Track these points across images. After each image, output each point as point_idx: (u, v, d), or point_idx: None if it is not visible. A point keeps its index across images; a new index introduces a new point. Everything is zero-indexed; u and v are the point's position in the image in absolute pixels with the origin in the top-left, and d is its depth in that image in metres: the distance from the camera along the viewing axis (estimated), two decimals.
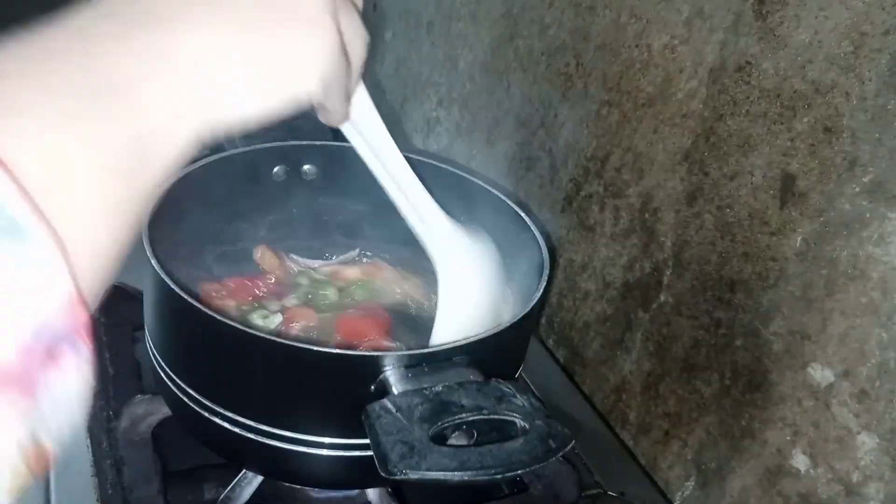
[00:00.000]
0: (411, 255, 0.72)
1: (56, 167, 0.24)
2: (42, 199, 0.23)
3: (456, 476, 0.39)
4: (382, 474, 0.39)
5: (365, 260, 0.74)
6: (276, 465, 0.52)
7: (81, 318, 0.24)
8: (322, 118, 0.44)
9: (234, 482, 0.56)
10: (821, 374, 0.53)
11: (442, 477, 0.39)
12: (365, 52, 0.39)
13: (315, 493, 0.58)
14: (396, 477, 0.39)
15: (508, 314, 0.57)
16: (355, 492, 0.58)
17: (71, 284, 0.23)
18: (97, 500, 0.55)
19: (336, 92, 0.38)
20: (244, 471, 0.56)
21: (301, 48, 0.34)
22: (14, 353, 0.22)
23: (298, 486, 0.58)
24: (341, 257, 0.74)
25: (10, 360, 0.22)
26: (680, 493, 0.66)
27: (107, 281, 0.27)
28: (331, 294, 0.68)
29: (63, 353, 0.23)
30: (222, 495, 0.55)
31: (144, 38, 0.29)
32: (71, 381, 0.24)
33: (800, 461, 0.55)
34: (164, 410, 0.59)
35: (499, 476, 0.40)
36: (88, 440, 0.60)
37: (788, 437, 0.56)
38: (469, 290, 0.56)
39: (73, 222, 0.25)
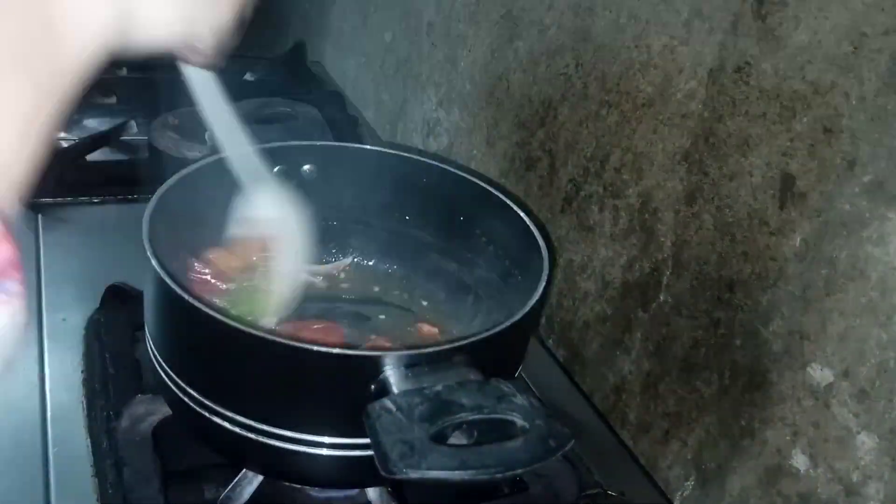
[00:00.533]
0: (408, 261, 0.73)
1: None
2: None
3: (456, 475, 0.39)
4: (383, 473, 0.39)
5: (357, 260, 0.74)
6: (277, 465, 0.52)
7: (5, 255, 0.22)
8: (186, 58, 0.42)
9: (234, 482, 0.56)
10: (820, 373, 0.53)
11: (442, 476, 0.39)
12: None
13: (315, 492, 0.58)
14: (397, 476, 0.39)
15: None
16: (355, 491, 0.58)
17: None
18: (97, 500, 0.55)
19: (220, 32, 0.38)
20: (244, 471, 0.56)
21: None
22: None
23: (298, 486, 0.58)
24: (334, 264, 0.74)
25: None
26: (680, 493, 0.66)
27: (23, 188, 0.25)
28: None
29: None
30: (222, 495, 0.55)
31: None
32: None
33: (800, 461, 0.55)
34: (164, 410, 0.59)
35: (499, 475, 0.40)
36: (88, 440, 0.60)
37: (788, 437, 0.56)
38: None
39: None
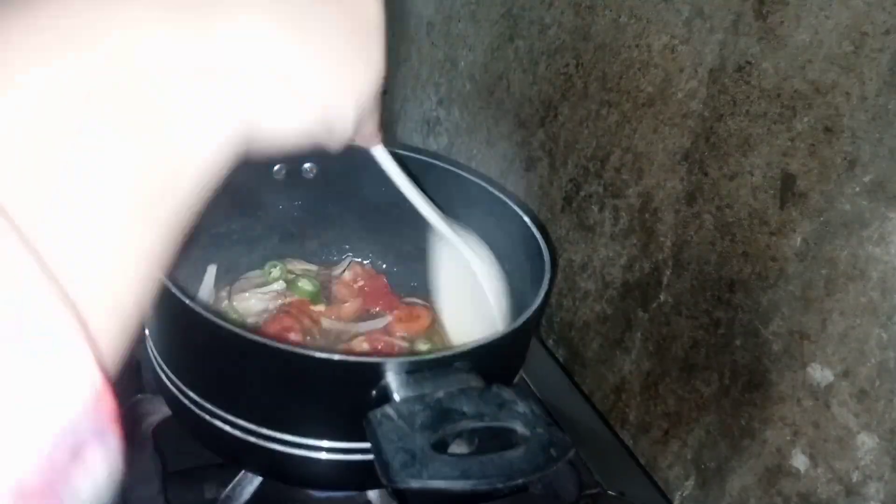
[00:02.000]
0: (407, 261, 0.73)
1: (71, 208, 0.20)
2: (51, 253, 0.19)
3: (458, 485, 0.39)
4: (384, 482, 0.39)
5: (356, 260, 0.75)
6: (276, 468, 0.52)
7: (108, 407, 0.20)
8: (330, 145, 0.41)
9: (234, 482, 0.56)
10: (820, 373, 0.53)
11: (444, 486, 0.39)
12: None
13: (315, 492, 0.58)
14: (399, 486, 0.39)
15: (501, 321, 0.59)
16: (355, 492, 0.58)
17: (97, 373, 0.19)
18: None
19: (373, 113, 0.36)
20: (244, 471, 0.56)
21: (360, 57, 0.30)
22: (36, 468, 0.18)
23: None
24: (336, 269, 0.74)
25: (32, 476, 0.18)
26: (679, 493, 0.66)
27: (132, 337, 0.23)
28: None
29: (90, 449, 0.20)
30: (222, 495, 0.55)
31: (176, 20, 0.23)
32: (98, 475, 0.20)
33: (799, 461, 0.55)
34: (164, 410, 0.59)
35: (500, 485, 0.40)
36: None
37: (788, 437, 0.56)
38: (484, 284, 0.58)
39: (92, 278, 0.20)
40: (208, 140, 0.24)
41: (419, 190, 0.55)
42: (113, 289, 0.21)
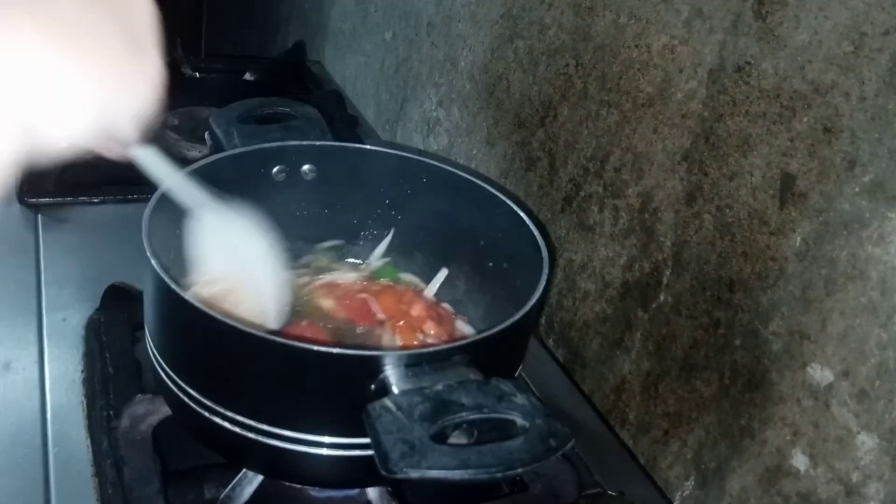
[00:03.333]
0: (408, 259, 0.73)
1: None
2: None
3: (456, 475, 0.39)
4: (383, 473, 0.39)
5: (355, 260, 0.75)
6: (277, 465, 0.52)
7: None
8: (109, 151, 0.40)
9: (234, 482, 0.56)
10: (820, 373, 0.53)
11: (442, 476, 0.39)
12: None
13: (315, 492, 0.58)
14: (397, 476, 0.39)
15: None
16: (355, 491, 0.58)
17: None
18: (97, 500, 0.55)
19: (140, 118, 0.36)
20: (244, 470, 0.56)
21: (134, 65, 0.32)
22: None
23: (298, 486, 0.58)
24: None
25: None
26: (679, 493, 0.66)
27: None
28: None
29: None
30: (222, 495, 0.55)
31: None
32: None
33: (799, 461, 0.55)
34: (164, 410, 0.59)
35: (499, 475, 0.40)
36: (88, 440, 0.60)
37: (788, 437, 0.56)
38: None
39: None
40: None
41: (180, 178, 0.53)
42: None
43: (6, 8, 0.28)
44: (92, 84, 0.30)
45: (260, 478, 0.56)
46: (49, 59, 0.28)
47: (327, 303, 0.68)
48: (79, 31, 0.29)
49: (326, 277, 0.70)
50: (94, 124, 0.31)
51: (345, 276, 0.71)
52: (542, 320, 0.84)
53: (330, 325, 0.65)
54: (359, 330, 0.65)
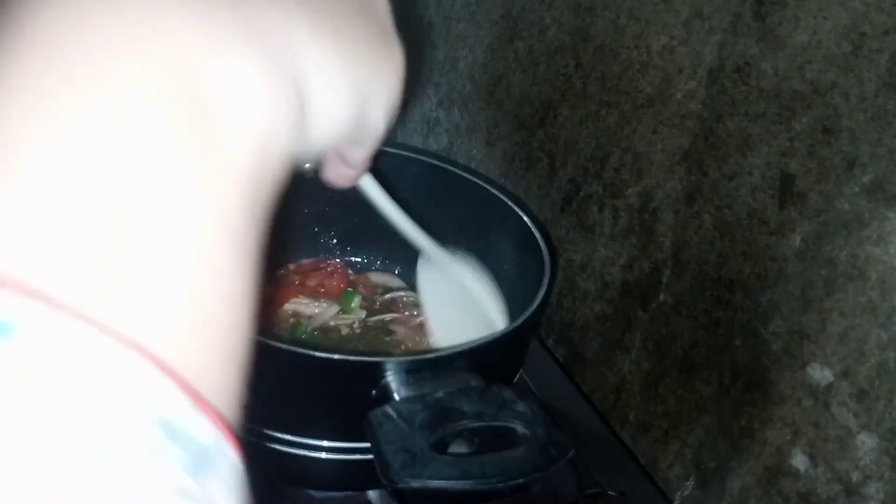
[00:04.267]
0: (407, 261, 0.73)
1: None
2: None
3: (458, 485, 0.39)
4: (384, 482, 0.39)
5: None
6: (276, 468, 0.52)
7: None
8: (334, 170, 0.37)
9: None
10: (820, 373, 0.53)
11: (443, 486, 0.39)
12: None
13: (315, 493, 0.58)
14: (398, 485, 0.39)
15: (500, 324, 0.59)
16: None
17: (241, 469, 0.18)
18: None
19: (390, 114, 0.32)
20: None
21: (383, 58, 0.28)
22: None
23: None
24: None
25: None
26: (679, 493, 0.66)
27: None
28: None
29: None
30: None
31: (222, 29, 0.20)
32: None
33: (799, 461, 0.55)
34: None
35: (500, 485, 0.40)
36: None
37: (788, 437, 0.56)
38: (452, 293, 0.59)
39: (206, 349, 0.19)
40: (251, 113, 0.21)
41: (404, 215, 0.54)
42: (229, 345, 0.19)
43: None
44: (351, 71, 0.26)
45: (259, 479, 0.56)
46: (320, 48, 0.24)
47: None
48: (335, 17, 0.26)
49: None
50: (353, 116, 0.27)
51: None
52: (542, 320, 0.84)
53: None
54: None
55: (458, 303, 0.60)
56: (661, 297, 0.67)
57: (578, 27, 0.75)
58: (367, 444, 0.41)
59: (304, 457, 0.49)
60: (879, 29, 0.48)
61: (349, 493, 0.59)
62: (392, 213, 0.53)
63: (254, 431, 0.49)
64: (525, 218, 0.62)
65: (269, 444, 0.49)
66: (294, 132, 0.23)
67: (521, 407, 0.43)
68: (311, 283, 0.70)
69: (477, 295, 0.60)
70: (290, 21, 0.23)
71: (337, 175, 0.37)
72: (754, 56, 0.56)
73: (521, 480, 0.41)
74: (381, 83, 0.29)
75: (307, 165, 0.73)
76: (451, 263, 0.59)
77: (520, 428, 0.42)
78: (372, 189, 0.50)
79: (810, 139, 0.53)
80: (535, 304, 0.52)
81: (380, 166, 0.48)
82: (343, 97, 0.26)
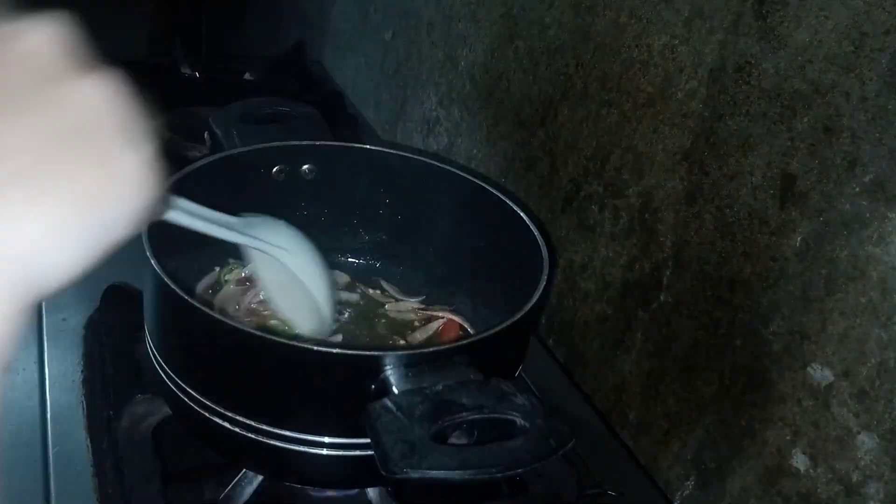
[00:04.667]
0: (407, 261, 0.73)
1: None
2: None
3: (457, 475, 0.39)
4: (383, 473, 0.39)
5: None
6: (276, 465, 0.52)
7: None
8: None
9: (234, 482, 0.56)
10: (820, 373, 0.53)
11: (443, 476, 0.39)
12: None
13: (315, 492, 0.58)
14: (397, 476, 0.39)
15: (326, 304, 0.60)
16: (355, 491, 0.58)
17: None
18: (97, 500, 0.55)
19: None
20: (244, 471, 0.56)
21: (122, 187, 0.28)
22: None
23: (298, 486, 0.58)
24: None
25: None
26: (680, 493, 0.66)
27: None
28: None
29: None
30: (222, 495, 0.55)
31: None
32: None
33: (800, 461, 0.55)
34: (164, 410, 0.59)
35: (499, 475, 0.40)
36: (88, 440, 0.60)
37: (788, 437, 0.56)
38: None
39: None
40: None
41: (211, 212, 0.51)
42: None
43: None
44: (77, 210, 0.27)
45: (260, 478, 0.56)
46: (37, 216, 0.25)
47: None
48: (46, 164, 0.26)
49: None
50: (97, 241, 0.28)
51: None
52: (542, 320, 0.84)
53: None
54: None
55: (294, 286, 0.60)
56: (662, 297, 0.67)
57: (579, 26, 0.75)
58: (367, 440, 0.41)
59: (305, 453, 0.48)
60: (881, 28, 0.48)
61: (349, 492, 0.59)
62: (200, 226, 0.50)
63: (252, 427, 0.49)
64: (525, 218, 0.61)
65: (269, 441, 0.48)
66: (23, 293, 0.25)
67: (520, 399, 0.43)
68: None
69: (303, 273, 0.60)
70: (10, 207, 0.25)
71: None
72: (755, 55, 0.56)
73: (519, 470, 0.41)
74: (117, 210, 0.28)
75: (306, 167, 0.72)
76: (271, 245, 0.58)
77: (519, 419, 0.42)
78: (183, 215, 0.47)
79: (811, 139, 0.53)
80: (533, 299, 0.52)
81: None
82: (74, 248, 0.27)
